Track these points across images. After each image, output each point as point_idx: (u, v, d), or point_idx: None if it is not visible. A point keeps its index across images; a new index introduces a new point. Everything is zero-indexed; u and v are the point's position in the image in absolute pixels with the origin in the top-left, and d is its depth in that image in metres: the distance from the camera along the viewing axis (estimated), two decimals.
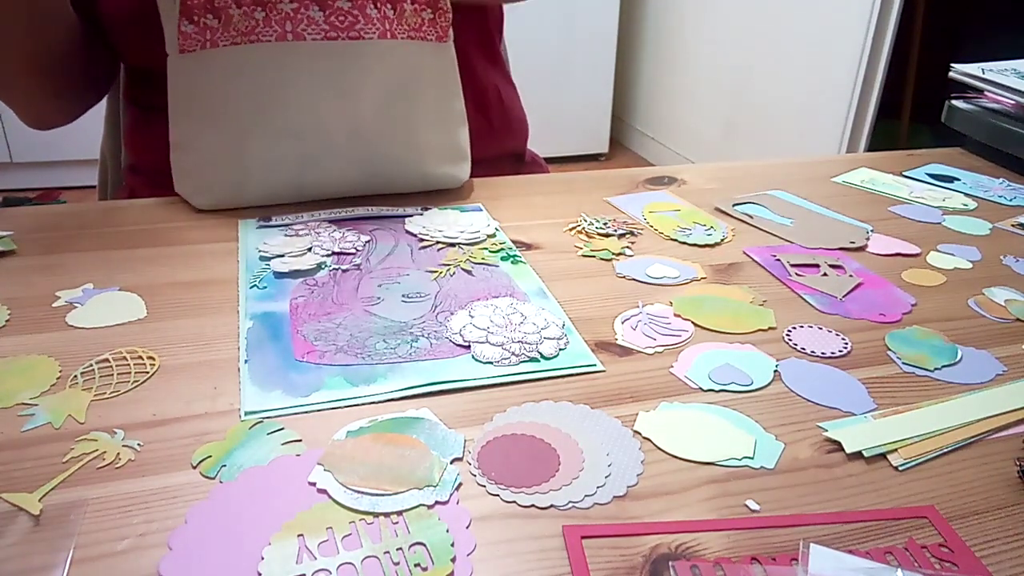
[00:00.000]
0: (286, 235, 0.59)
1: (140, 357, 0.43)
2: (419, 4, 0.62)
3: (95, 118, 0.82)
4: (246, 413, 0.39)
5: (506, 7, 0.80)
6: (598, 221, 0.63)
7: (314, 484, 0.34)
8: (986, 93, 0.84)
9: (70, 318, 0.47)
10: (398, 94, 0.63)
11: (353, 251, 0.57)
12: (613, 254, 0.58)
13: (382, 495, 0.33)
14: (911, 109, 2.42)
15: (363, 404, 0.40)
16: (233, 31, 0.59)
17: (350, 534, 0.31)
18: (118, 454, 0.36)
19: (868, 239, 0.62)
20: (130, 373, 0.42)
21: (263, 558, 0.30)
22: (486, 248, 0.58)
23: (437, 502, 0.33)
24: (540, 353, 0.44)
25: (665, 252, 0.59)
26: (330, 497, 0.33)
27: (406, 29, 0.62)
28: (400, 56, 0.62)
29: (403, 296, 0.51)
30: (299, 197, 0.64)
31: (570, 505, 0.33)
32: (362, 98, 0.62)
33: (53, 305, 0.48)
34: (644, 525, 0.32)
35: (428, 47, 0.64)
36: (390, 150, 0.64)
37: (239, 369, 0.42)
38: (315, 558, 0.30)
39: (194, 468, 0.35)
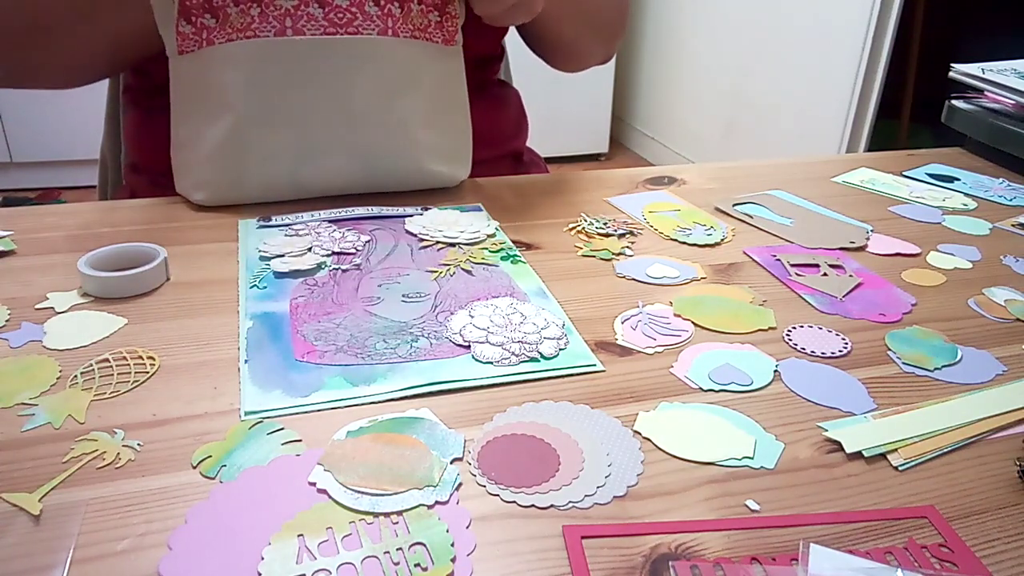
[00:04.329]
0: (286, 235, 0.59)
1: (140, 357, 0.43)
2: (426, 5, 0.62)
3: (95, 118, 0.82)
4: (246, 413, 0.39)
5: None
6: (598, 221, 0.63)
7: (314, 484, 0.34)
8: (986, 93, 0.84)
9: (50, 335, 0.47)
10: (397, 90, 0.63)
11: (353, 251, 0.57)
12: (613, 254, 0.58)
13: (382, 495, 0.33)
14: (911, 109, 2.42)
15: (363, 404, 0.40)
16: (230, 28, 0.59)
17: (350, 534, 0.31)
18: (118, 454, 0.36)
19: (868, 239, 0.62)
20: (130, 373, 0.42)
21: (263, 558, 0.30)
22: (486, 248, 0.58)
23: (437, 502, 0.33)
24: (540, 353, 0.44)
25: (665, 252, 0.59)
26: (330, 497, 0.33)
27: (411, 29, 0.62)
28: (401, 54, 0.62)
29: (403, 296, 0.51)
30: (297, 192, 0.65)
31: (570, 505, 0.33)
32: (359, 93, 0.62)
33: (37, 307, 0.48)
34: (644, 525, 0.32)
35: (433, 48, 0.64)
36: (387, 146, 0.64)
37: (239, 369, 0.42)
38: (315, 558, 0.30)
39: (194, 468, 0.35)
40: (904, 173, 0.79)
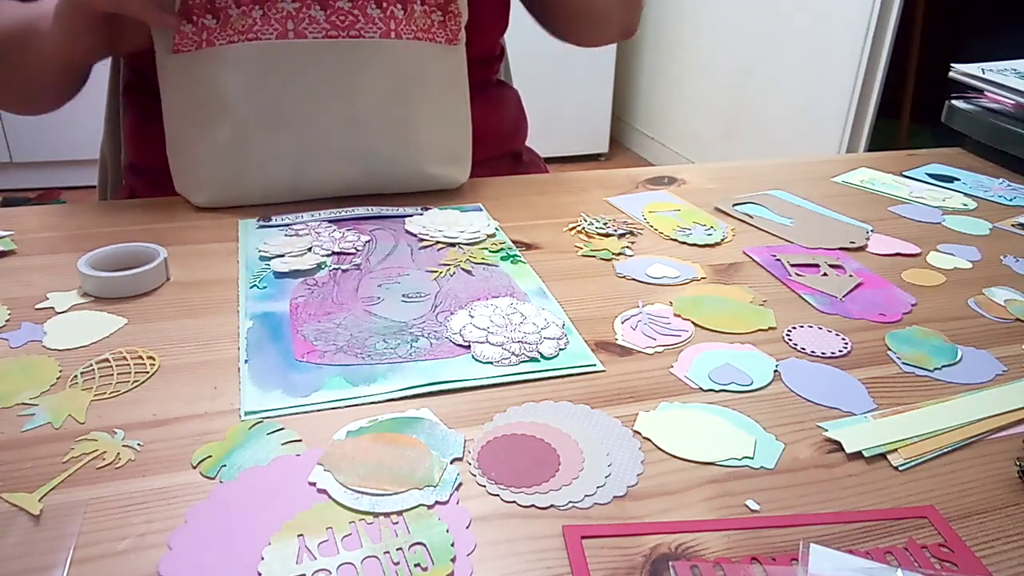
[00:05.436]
0: (286, 235, 0.59)
1: (140, 357, 0.43)
2: (429, 5, 0.62)
3: (95, 118, 0.82)
4: (246, 413, 0.39)
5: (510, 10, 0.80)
6: (598, 221, 0.63)
7: (314, 484, 0.34)
8: (986, 93, 0.84)
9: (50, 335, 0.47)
10: (398, 93, 0.63)
11: (353, 251, 0.57)
12: (613, 254, 0.58)
13: (382, 495, 0.33)
14: (911, 109, 2.42)
15: (363, 404, 0.40)
16: (230, 30, 0.59)
17: (350, 534, 0.31)
18: (118, 454, 0.36)
19: (868, 239, 0.62)
20: (130, 373, 0.42)
21: (263, 558, 0.30)
22: (486, 248, 0.58)
23: (437, 502, 0.33)
24: (540, 353, 0.44)
25: (665, 252, 0.59)
26: (330, 497, 0.33)
27: (414, 30, 0.62)
28: (403, 56, 0.62)
29: (403, 296, 0.51)
30: (297, 194, 0.65)
31: (570, 505, 0.33)
32: (360, 96, 0.62)
33: (37, 307, 0.48)
34: (644, 525, 0.32)
35: (436, 48, 0.63)
36: (388, 148, 0.64)
37: (239, 369, 0.42)
38: (315, 558, 0.30)
39: (194, 468, 0.35)
40: (904, 173, 0.79)
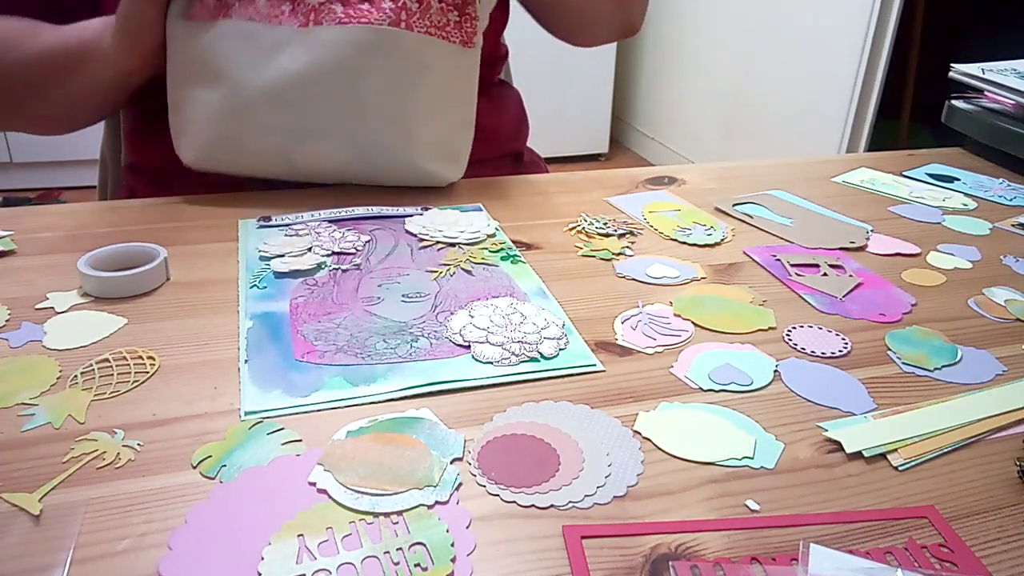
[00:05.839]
0: (286, 235, 0.59)
1: (140, 357, 0.43)
2: (446, 4, 0.62)
3: None
4: (246, 413, 0.39)
5: (510, 12, 0.80)
6: (598, 221, 0.63)
7: (314, 484, 0.34)
8: (986, 93, 0.84)
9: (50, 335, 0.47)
10: (402, 83, 0.63)
11: (353, 251, 0.57)
12: (613, 254, 0.58)
13: (382, 495, 0.33)
14: (911, 109, 2.42)
15: (363, 404, 0.40)
16: (252, 11, 0.61)
17: (350, 534, 0.31)
18: (118, 454, 0.36)
19: (868, 239, 0.62)
20: (130, 373, 0.42)
21: (263, 558, 0.30)
22: (486, 248, 0.58)
23: (437, 502, 0.33)
24: (540, 353, 0.44)
25: (665, 252, 0.59)
26: (330, 497, 0.33)
27: (427, 25, 0.62)
28: (411, 47, 0.62)
29: (403, 296, 0.51)
30: (287, 169, 0.65)
31: (570, 505, 0.33)
32: (363, 80, 0.62)
33: (37, 307, 0.48)
34: (644, 525, 0.32)
35: (448, 47, 0.64)
36: (383, 137, 0.64)
37: (239, 369, 0.42)
38: (315, 558, 0.30)
39: (194, 468, 0.35)
40: (904, 173, 0.79)
